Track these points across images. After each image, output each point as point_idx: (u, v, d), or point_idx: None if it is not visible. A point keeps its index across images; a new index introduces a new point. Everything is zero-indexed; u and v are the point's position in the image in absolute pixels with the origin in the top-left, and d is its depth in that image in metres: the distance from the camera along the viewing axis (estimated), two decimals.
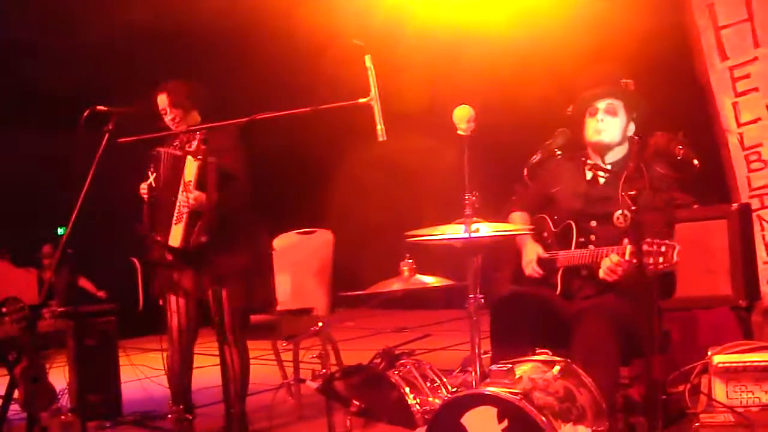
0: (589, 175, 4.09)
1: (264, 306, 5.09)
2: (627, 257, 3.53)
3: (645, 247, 3.24)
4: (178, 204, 4.65)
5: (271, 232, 5.80)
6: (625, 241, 3.55)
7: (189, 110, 4.86)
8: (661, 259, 3.23)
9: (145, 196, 4.81)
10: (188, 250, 4.61)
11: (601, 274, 3.70)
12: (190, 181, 4.58)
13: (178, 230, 4.64)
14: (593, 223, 3.95)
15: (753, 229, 5.15)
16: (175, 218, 4.66)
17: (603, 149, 4.01)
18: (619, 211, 3.78)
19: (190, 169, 4.59)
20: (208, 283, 4.67)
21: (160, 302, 4.91)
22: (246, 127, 3.99)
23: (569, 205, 4.06)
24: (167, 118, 4.85)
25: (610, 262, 3.65)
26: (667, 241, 3.26)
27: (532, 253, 4.07)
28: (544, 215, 4.18)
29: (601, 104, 3.97)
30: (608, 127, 3.97)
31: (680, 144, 3.54)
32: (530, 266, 4.04)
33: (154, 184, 4.79)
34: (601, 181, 4.04)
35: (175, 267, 4.78)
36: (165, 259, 4.79)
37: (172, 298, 4.84)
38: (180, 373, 4.89)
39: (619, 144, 4.00)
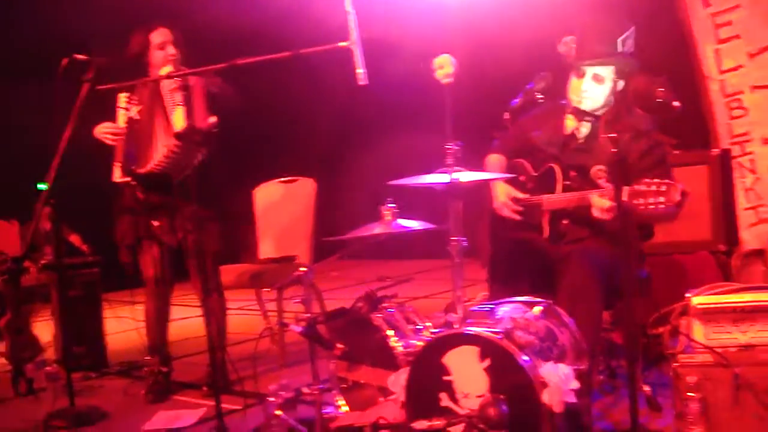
0: (569, 124, 3.99)
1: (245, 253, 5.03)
2: (626, 198, 3.45)
3: (643, 187, 3.11)
4: (164, 95, 4.43)
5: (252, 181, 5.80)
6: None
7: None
8: (661, 199, 3.10)
9: (113, 136, 4.54)
10: (196, 129, 4.31)
11: (596, 213, 3.59)
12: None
13: (179, 112, 4.33)
14: (572, 173, 3.88)
15: (733, 175, 5.16)
16: (171, 105, 4.41)
17: (581, 112, 3.93)
18: (597, 166, 3.75)
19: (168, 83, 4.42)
20: (182, 228, 4.61)
21: (123, 258, 4.80)
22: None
23: (549, 150, 3.99)
24: (168, 52, 4.53)
25: (604, 205, 3.53)
26: (667, 180, 3.13)
27: (502, 195, 3.99)
28: (522, 159, 4.10)
29: (590, 71, 3.84)
30: (592, 95, 3.86)
31: (661, 86, 3.52)
32: (505, 208, 3.97)
33: (138, 117, 4.53)
34: (583, 131, 3.95)
35: (148, 212, 4.65)
36: (138, 204, 4.64)
37: (147, 248, 4.72)
38: (156, 324, 4.84)
39: (601, 108, 3.90)
